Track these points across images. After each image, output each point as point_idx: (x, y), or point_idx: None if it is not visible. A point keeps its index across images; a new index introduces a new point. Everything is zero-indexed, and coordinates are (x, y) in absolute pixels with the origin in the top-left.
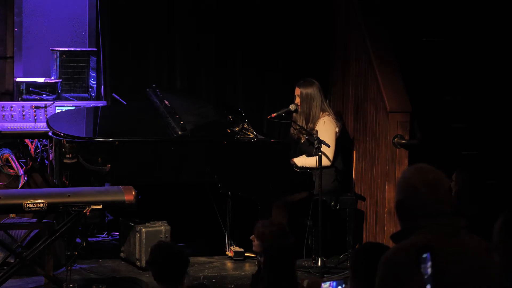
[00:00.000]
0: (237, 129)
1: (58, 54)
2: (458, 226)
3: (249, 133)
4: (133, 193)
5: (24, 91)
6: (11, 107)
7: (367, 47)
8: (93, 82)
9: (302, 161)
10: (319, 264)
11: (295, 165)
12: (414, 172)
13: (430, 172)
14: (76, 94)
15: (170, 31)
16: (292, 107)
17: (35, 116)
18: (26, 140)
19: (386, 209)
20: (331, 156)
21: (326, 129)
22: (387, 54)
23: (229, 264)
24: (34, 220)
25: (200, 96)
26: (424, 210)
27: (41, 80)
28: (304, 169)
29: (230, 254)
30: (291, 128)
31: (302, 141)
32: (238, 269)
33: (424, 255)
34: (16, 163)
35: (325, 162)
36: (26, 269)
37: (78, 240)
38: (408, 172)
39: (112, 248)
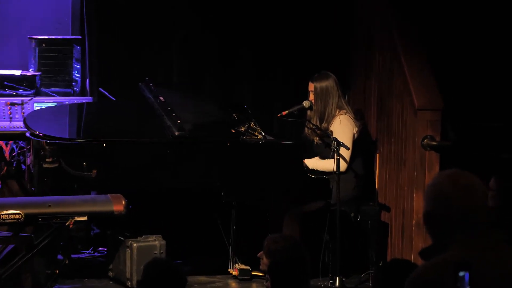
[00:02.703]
0: (243, 128)
1: (36, 43)
2: (497, 239)
3: (256, 133)
4: (123, 202)
5: None
6: None
7: (393, 36)
8: (77, 75)
9: (314, 163)
10: (337, 284)
11: (306, 168)
12: (444, 178)
13: (463, 178)
14: (57, 89)
15: (168, 21)
16: (306, 103)
17: (10, 114)
18: (0, 142)
19: (414, 221)
20: (348, 159)
21: (342, 129)
22: (416, 44)
23: (233, 284)
24: (9, 233)
25: (201, 92)
26: (456, 221)
27: (17, 72)
28: (319, 174)
29: (234, 272)
30: (305, 128)
31: (315, 143)
32: None
33: (461, 274)
34: None
35: (342, 166)
36: None
37: (60, 256)
38: (438, 178)
39: (98, 266)
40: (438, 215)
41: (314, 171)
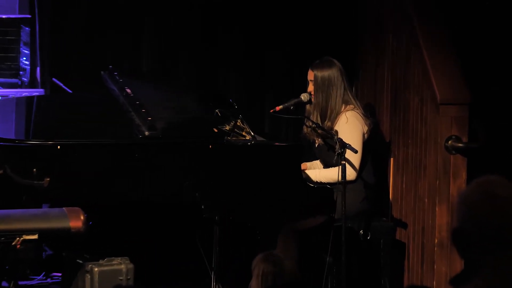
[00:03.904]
0: (228, 127)
1: None
2: None
3: (244, 133)
4: (82, 217)
5: None
6: None
7: (409, 15)
8: (25, 62)
9: (317, 174)
10: None
11: (308, 179)
12: (475, 188)
13: (499, 187)
14: (1, 80)
15: None
16: (304, 96)
17: None
18: None
19: (436, 240)
20: (356, 165)
21: (348, 128)
22: (438, 25)
23: None
24: None
25: (177, 82)
26: (490, 241)
27: None
28: (321, 184)
29: None
30: (304, 127)
31: (316, 144)
32: None
33: None
34: None
35: (350, 174)
36: None
37: (4, 283)
38: (468, 188)
39: None
40: (468, 233)
41: (316, 181)
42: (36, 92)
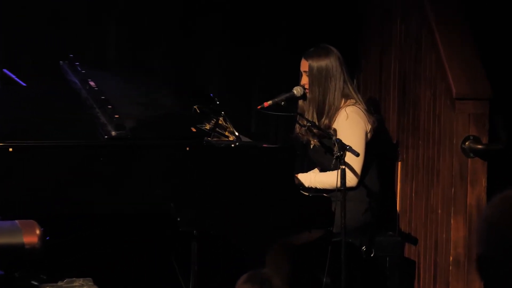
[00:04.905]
0: (208, 126)
1: None
2: None
3: (226, 133)
4: (37, 232)
5: None
6: None
7: None
8: None
9: (312, 178)
10: None
11: (301, 185)
12: (498, 204)
13: None
14: None
15: None
16: (297, 90)
17: None
18: None
19: (451, 257)
20: (358, 170)
21: (349, 126)
22: (454, 8)
23: None
24: None
25: (149, 73)
26: None
27: None
28: (316, 191)
29: None
30: (297, 125)
31: (312, 146)
32: None
33: None
34: None
35: (350, 180)
36: None
37: None
38: (489, 206)
39: None
40: (494, 259)
41: (310, 188)
42: None
